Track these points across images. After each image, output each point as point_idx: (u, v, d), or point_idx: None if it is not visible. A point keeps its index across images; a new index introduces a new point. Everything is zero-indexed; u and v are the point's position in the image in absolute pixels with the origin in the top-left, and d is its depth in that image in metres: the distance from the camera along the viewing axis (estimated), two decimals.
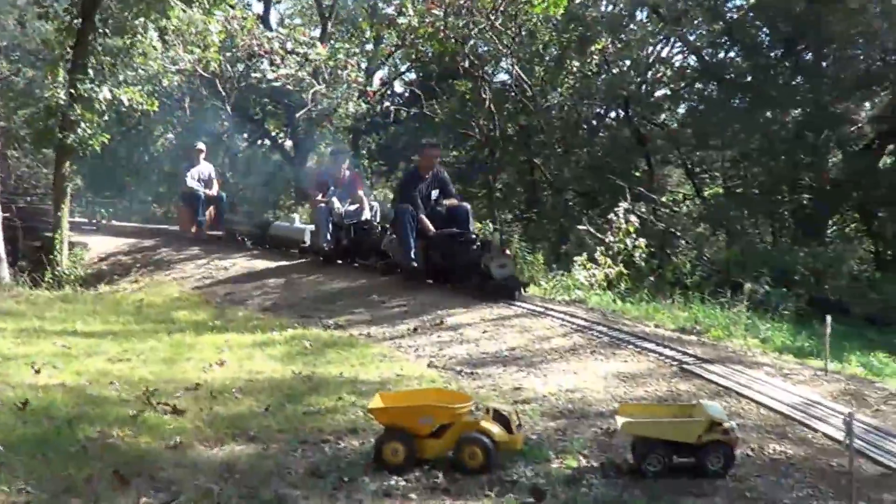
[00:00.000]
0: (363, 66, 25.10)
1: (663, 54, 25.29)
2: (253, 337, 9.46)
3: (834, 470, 5.45)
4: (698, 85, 24.19)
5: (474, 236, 12.11)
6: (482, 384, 7.39)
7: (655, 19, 23.16)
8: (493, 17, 18.74)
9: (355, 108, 20.24)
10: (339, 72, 20.25)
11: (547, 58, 22.17)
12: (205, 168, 18.39)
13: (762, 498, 5.04)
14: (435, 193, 12.70)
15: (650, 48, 24.57)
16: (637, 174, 23.10)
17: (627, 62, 23.89)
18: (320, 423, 6.20)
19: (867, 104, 22.41)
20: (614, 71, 23.30)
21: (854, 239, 21.70)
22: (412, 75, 27.63)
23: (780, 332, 10.55)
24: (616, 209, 14.73)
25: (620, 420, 5.43)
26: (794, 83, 21.64)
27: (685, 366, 7.79)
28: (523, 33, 20.46)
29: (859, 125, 21.79)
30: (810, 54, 21.82)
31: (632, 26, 23.83)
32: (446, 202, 12.68)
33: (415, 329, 9.71)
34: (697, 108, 23.83)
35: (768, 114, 21.25)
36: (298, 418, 6.31)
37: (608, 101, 23.78)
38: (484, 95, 20.24)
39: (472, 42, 19.69)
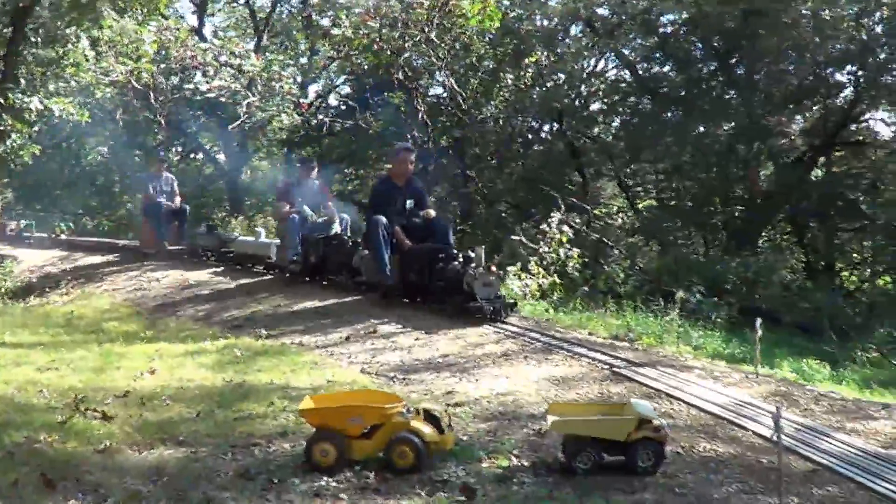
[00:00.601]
0: (298, 78, 25.08)
1: (598, 68, 25.48)
2: (184, 346, 9.40)
3: (764, 466, 5.52)
4: (632, 99, 24.42)
5: (455, 251, 11.02)
6: (415, 389, 7.39)
7: (590, 33, 23.36)
8: (427, 30, 18.74)
9: (289, 120, 20.18)
10: (274, 83, 20.18)
11: (481, 71, 22.23)
12: (167, 179, 17.70)
13: (692, 493, 5.07)
14: (410, 203, 11.64)
15: (585, 62, 24.72)
16: (571, 186, 23.23)
17: (562, 76, 24.02)
18: (250, 427, 6.16)
19: (799, 117, 22.79)
20: (548, 84, 23.42)
21: (785, 249, 21.99)
22: (347, 88, 27.65)
23: (711, 340, 10.64)
24: (549, 220, 14.81)
25: (551, 419, 5.44)
26: (726, 97, 21.94)
27: (617, 369, 7.84)
28: (458, 46, 20.49)
29: (791, 138, 22.13)
30: (743, 69, 22.12)
31: (566, 40, 24.00)
32: (423, 213, 11.54)
33: (348, 337, 9.69)
34: (631, 121, 24.07)
35: (701, 127, 21.54)
36: (228, 423, 6.27)
37: (542, 114, 23.91)
38: (418, 108, 20.23)
39: (406, 54, 19.67)
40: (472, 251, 10.69)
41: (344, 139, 24.65)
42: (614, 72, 25.57)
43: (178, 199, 17.68)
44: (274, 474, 5.21)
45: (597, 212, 21.84)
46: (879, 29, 20.63)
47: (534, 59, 21.72)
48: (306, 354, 8.97)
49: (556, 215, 14.96)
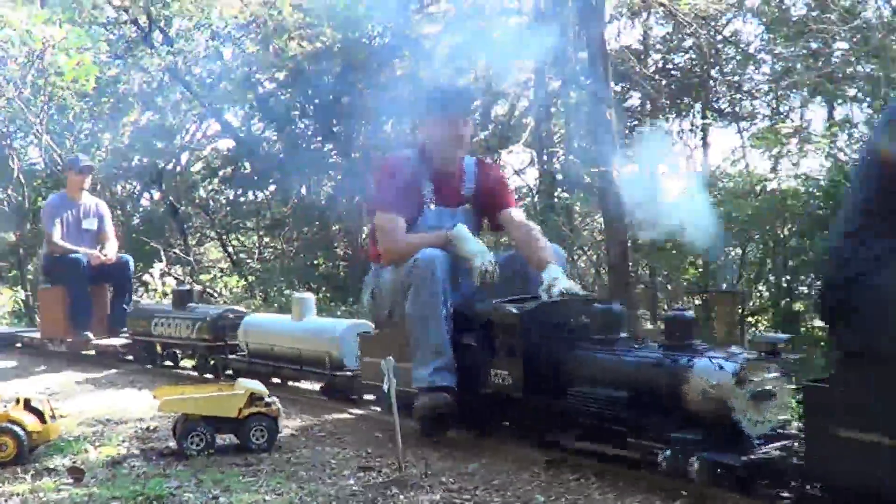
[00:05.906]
0: None
1: (199, 132, 25.37)
2: None
3: (377, 438, 5.74)
4: (236, 163, 24.55)
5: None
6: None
7: (189, 95, 23.29)
8: (21, 87, 18.16)
9: None
10: None
11: (77, 130, 21.69)
12: (90, 206, 10.56)
13: (309, 462, 5.15)
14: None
15: (185, 125, 24.58)
16: (176, 251, 22.95)
17: (161, 140, 23.73)
18: None
19: None
20: (149, 145, 23.15)
21: None
22: None
23: None
24: (151, 271, 14.77)
25: (159, 402, 5.38)
26: (326, 153, 22.53)
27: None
28: (52, 106, 19.93)
29: None
30: (342, 126, 22.76)
31: (162, 102, 23.78)
32: None
33: None
34: (232, 182, 24.18)
35: (302, 185, 22.02)
36: None
37: (143, 175, 23.57)
38: (12, 165, 19.52)
39: None
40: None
41: None
42: (214, 134, 25.51)
43: (113, 244, 10.44)
44: None
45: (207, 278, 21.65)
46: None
47: (132, 118, 21.47)
48: None
49: (159, 265, 14.92)
